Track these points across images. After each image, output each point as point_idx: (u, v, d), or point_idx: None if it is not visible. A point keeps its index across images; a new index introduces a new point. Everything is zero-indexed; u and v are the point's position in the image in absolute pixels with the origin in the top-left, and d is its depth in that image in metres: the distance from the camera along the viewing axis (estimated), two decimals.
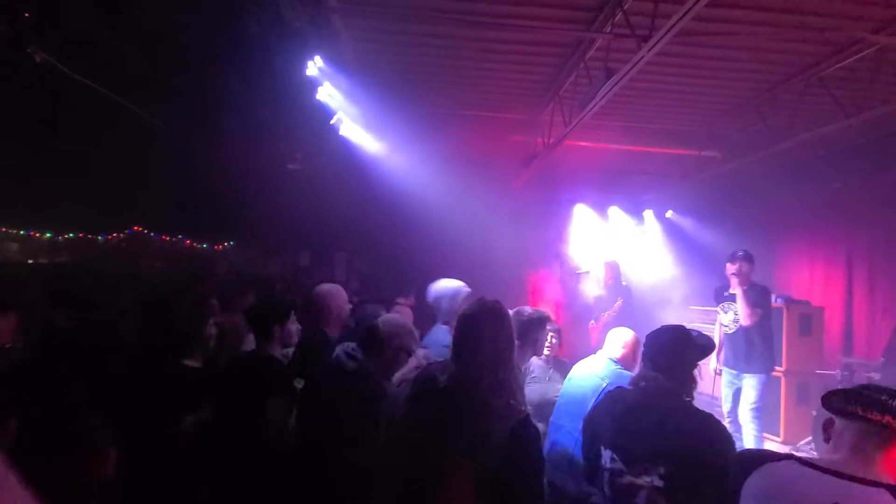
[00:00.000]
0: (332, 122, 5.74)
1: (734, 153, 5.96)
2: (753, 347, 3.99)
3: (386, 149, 6.27)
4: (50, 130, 8.06)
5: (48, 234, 14.33)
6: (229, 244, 14.90)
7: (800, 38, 4.01)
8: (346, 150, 6.29)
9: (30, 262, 12.98)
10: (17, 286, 6.33)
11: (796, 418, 4.65)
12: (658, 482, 1.67)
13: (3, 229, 13.21)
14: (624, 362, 2.54)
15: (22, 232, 13.69)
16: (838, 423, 1.30)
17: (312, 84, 4.89)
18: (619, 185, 7.46)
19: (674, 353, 1.83)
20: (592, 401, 2.38)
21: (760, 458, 1.39)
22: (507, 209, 6.93)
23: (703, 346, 1.91)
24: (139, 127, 7.69)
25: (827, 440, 1.33)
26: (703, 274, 6.40)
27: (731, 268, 4.06)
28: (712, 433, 1.71)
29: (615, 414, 1.85)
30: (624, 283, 5.93)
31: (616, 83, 3.94)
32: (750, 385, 3.97)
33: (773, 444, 4.41)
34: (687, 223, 7.62)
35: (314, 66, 4.59)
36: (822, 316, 5.20)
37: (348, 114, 5.69)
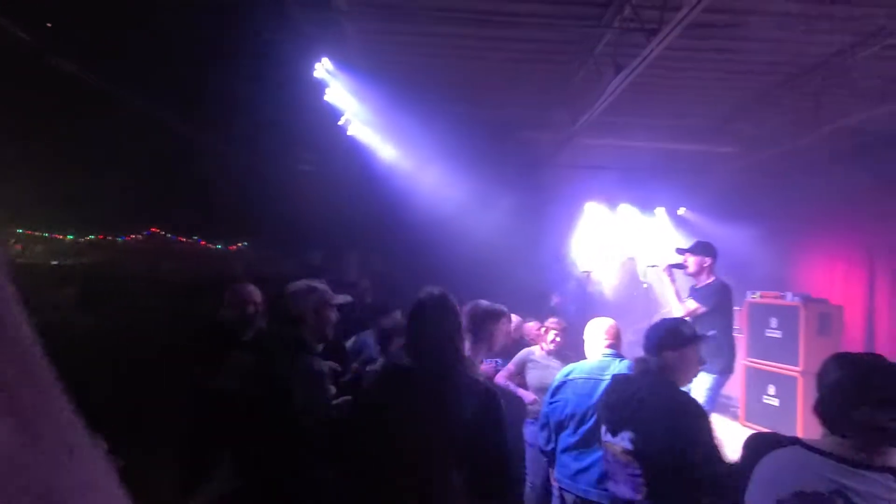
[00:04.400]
0: (340, 122, 5.77)
1: (751, 148, 5.83)
2: None
3: (395, 148, 6.29)
4: (71, 135, 8.30)
5: (70, 236, 14.71)
6: (243, 245, 15.13)
7: (821, 29, 3.86)
8: (357, 151, 6.33)
9: (53, 263, 13.31)
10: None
11: (814, 420, 4.51)
12: (628, 446, 1.87)
13: (29, 232, 13.60)
14: (615, 349, 2.51)
15: (45, 234, 14.07)
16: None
17: (321, 86, 4.93)
18: (631, 183, 7.34)
19: (663, 342, 2.02)
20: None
21: (770, 442, 1.43)
22: (516, 207, 6.88)
23: (691, 337, 2.06)
24: (155, 131, 7.87)
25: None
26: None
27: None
28: (679, 406, 1.86)
29: (607, 390, 2.11)
30: (643, 281, 5.86)
31: (625, 79, 3.89)
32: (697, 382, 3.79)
33: None
34: (700, 220, 7.47)
35: (322, 67, 4.63)
36: (842, 315, 5.03)
37: (357, 114, 5.72)
